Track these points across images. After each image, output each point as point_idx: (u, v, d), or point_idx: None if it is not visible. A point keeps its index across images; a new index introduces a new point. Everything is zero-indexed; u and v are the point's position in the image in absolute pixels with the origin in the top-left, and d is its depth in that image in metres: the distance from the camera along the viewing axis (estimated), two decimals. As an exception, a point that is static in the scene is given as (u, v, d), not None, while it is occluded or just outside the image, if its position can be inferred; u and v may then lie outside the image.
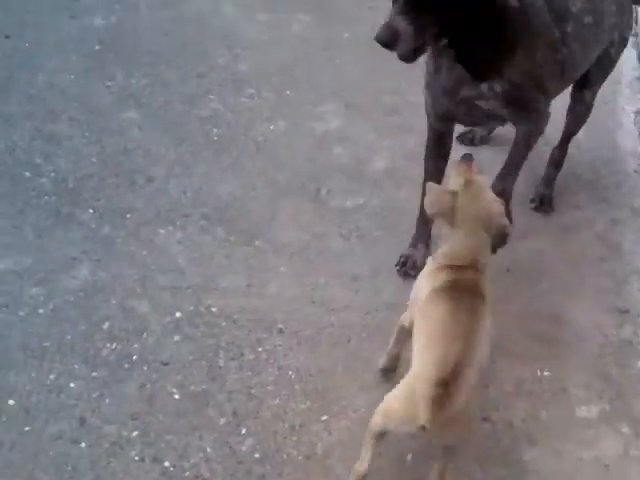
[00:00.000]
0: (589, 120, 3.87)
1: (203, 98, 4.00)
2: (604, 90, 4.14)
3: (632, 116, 4.13)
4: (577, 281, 3.36)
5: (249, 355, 2.93)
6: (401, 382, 2.44)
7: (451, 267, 2.55)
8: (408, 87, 3.69)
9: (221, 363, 2.89)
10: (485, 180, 2.67)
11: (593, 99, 3.53)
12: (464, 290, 2.50)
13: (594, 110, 3.94)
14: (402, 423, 2.36)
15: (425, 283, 2.60)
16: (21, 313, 2.96)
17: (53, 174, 3.53)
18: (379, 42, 2.64)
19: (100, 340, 2.90)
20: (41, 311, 2.98)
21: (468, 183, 2.56)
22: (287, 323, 3.05)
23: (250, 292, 3.16)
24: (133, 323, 2.98)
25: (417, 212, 3.25)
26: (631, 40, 4.48)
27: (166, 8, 4.50)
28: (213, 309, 3.07)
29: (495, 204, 2.58)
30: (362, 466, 2.45)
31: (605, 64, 3.40)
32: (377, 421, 2.42)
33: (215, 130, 3.84)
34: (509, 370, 2.99)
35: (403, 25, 2.62)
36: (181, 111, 3.92)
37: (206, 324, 3.01)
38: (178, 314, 3.03)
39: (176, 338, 2.95)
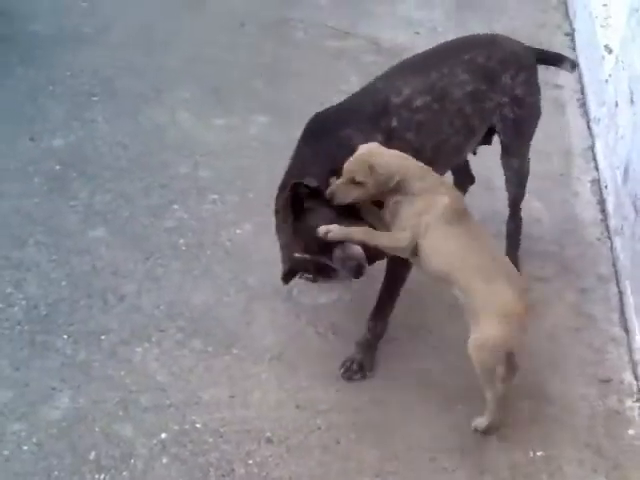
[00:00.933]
0: (546, 193, 3.99)
1: (167, 208, 4.02)
2: (557, 162, 4.30)
3: (588, 185, 4.21)
4: (556, 355, 3.39)
5: (240, 470, 2.91)
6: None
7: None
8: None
9: (213, 481, 2.86)
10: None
11: (523, 165, 3.56)
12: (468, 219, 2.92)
13: (551, 183, 4.06)
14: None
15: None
16: (5, 452, 2.93)
17: (24, 302, 3.51)
18: None
19: (88, 472, 2.87)
20: (25, 447, 2.95)
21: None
22: (274, 431, 3.04)
23: (234, 403, 3.15)
24: (119, 449, 2.95)
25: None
26: (580, 110, 4.64)
27: (123, 121, 4.53)
28: (198, 425, 3.06)
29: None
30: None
31: (509, 129, 3.39)
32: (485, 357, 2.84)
33: (182, 240, 3.86)
34: (503, 455, 3.01)
35: None
36: (147, 224, 3.94)
37: (193, 442, 2.99)
38: (163, 435, 3.01)
39: (164, 460, 2.93)
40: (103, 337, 3.38)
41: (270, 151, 4.19)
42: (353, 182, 2.85)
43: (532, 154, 3.97)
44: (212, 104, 4.58)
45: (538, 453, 3.01)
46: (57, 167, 4.24)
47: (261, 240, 3.82)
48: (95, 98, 4.72)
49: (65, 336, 3.37)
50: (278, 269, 3.59)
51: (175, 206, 4.03)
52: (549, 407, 3.18)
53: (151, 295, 3.58)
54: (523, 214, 3.76)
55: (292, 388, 3.21)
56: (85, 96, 4.74)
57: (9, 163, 4.24)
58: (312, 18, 5.47)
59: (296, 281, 3.59)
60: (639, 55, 3.85)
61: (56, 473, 2.87)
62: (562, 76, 4.97)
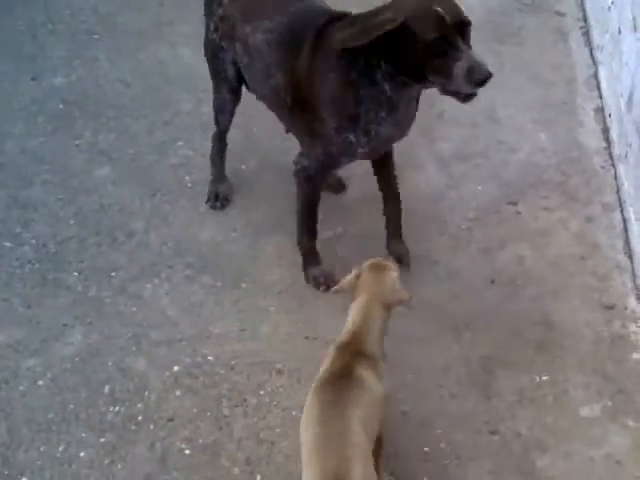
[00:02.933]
0: (550, 122, 3.99)
1: (172, 145, 4.02)
2: (561, 91, 4.27)
3: (592, 113, 4.19)
4: (561, 283, 3.42)
5: (252, 400, 2.96)
6: None
7: (337, 350, 2.60)
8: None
9: (226, 412, 2.92)
10: (392, 263, 2.76)
11: None
12: (336, 383, 2.47)
13: (554, 112, 4.06)
14: None
15: None
16: (21, 387, 2.99)
17: (34, 241, 3.55)
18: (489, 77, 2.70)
19: (103, 405, 2.93)
20: (40, 382, 3.00)
21: (372, 264, 2.69)
22: (285, 362, 3.09)
23: (244, 336, 3.20)
24: (133, 383, 3.01)
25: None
26: (583, 39, 4.61)
27: (125, 59, 4.52)
28: (210, 358, 3.11)
29: (394, 278, 2.67)
30: None
31: None
32: None
33: (188, 176, 3.87)
34: (508, 380, 3.06)
35: None
36: (152, 161, 3.95)
37: (205, 374, 3.04)
38: (176, 368, 3.06)
39: (177, 392, 2.98)
40: (113, 274, 3.42)
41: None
42: None
43: (536, 83, 3.98)
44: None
45: (544, 378, 3.06)
46: (60, 106, 4.24)
47: (266, 175, 3.84)
48: (96, 36, 4.69)
49: (75, 273, 3.41)
50: (284, 204, 3.64)
51: (180, 143, 4.04)
52: (554, 333, 3.22)
53: (159, 232, 3.61)
54: (528, 143, 3.77)
55: (301, 320, 3.25)
56: (85, 34, 4.71)
57: (12, 103, 4.24)
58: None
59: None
60: (643, -19, 3.81)
61: (71, 407, 2.93)
62: (564, 4, 4.93)
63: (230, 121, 3.60)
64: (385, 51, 2.77)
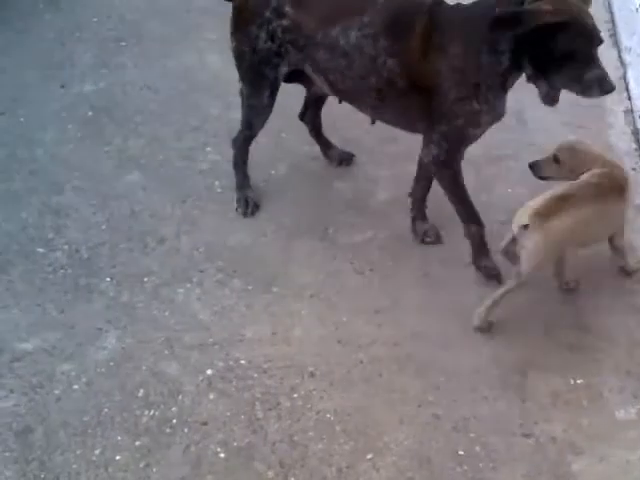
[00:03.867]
0: (581, 125, 3.98)
1: (201, 151, 4.05)
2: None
3: (622, 115, 4.18)
4: (594, 285, 3.39)
5: (285, 403, 2.96)
6: None
7: None
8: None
9: (259, 415, 2.92)
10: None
11: None
12: None
13: (584, 115, 4.04)
14: None
15: None
16: (56, 391, 3.00)
17: (66, 246, 3.57)
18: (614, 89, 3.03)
19: (138, 408, 2.94)
20: (75, 387, 3.02)
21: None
22: (317, 366, 3.09)
23: (276, 339, 3.20)
24: (167, 386, 3.01)
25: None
26: (611, 40, 4.59)
27: (152, 65, 4.55)
28: (242, 361, 3.11)
29: None
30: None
31: None
32: None
33: (217, 182, 3.89)
34: (543, 383, 3.03)
35: None
36: (181, 167, 3.97)
37: (238, 378, 3.05)
38: (209, 371, 3.07)
39: (211, 396, 2.98)
40: (145, 279, 3.43)
41: (302, 88, 4.18)
42: (556, 160, 3.29)
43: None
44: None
45: (578, 381, 3.04)
46: (89, 113, 4.27)
47: (295, 180, 3.85)
48: (123, 43, 4.73)
49: (108, 279, 3.43)
50: (313, 208, 3.65)
51: (208, 148, 4.06)
52: (588, 336, 3.20)
53: (189, 237, 3.62)
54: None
55: (332, 324, 3.25)
56: (113, 41, 4.75)
57: (42, 110, 4.27)
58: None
59: (331, 220, 3.65)
60: (671, -18, 3.80)
61: (106, 410, 2.94)
62: (591, 6, 4.90)
63: (265, 121, 3.61)
64: (522, 38, 2.91)
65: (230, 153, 3.88)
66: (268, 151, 3.94)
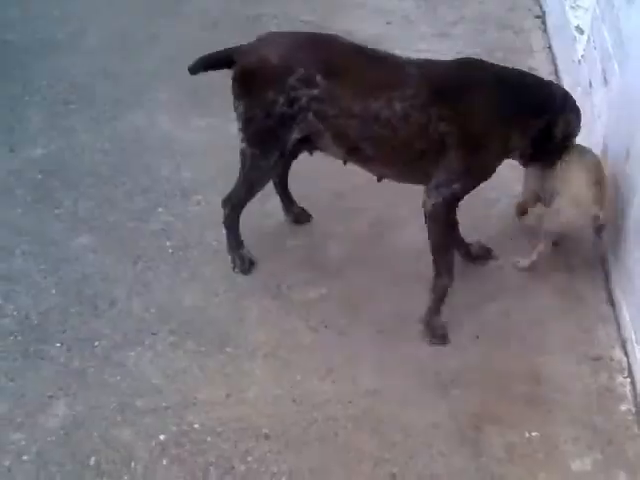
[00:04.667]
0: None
1: (152, 212, 4.03)
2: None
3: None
4: (547, 336, 3.43)
5: (240, 467, 2.93)
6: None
7: None
8: (352, 174, 3.75)
9: (214, 480, 2.88)
10: None
11: None
12: None
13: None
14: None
15: None
16: (6, 462, 2.93)
17: (15, 312, 3.51)
18: None
19: (90, 478, 2.88)
20: (25, 457, 2.95)
21: None
22: (272, 426, 3.06)
23: (230, 401, 3.16)
24: (119, 454, 2.96)
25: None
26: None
27: (102, 128, 4.54)
28: (196, 425, 3.07)
29: None
30: None
31: None
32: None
33: (169, 242, 3.87)
34: (499, 437, 3.04)
35: None
36: (133, 228, 3.94)
37: (192, 442, 3.00)
38: (162, 436, 3.02)
39: (164, 462, 2.94)
40: (96, 343, 3.39)
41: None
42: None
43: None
44: (191, 105, 4.60)
45: (533, 433, 3.04)
46: (39, 176, 4.24)
47: (246, 238, 3.83)
48: (73, 106, 4.73)
49: (58, 344, 3.38)
50: (266, 266, 3.65)
51: (160, 209, 4.04)
52: (542, 387, 3.21)
53: (141, 299, 3.59)
54: (506, 195, 3.84)
55: (287, 383, 3.23)
56: (62, 104, 4.74)
57: (-10, 175, 4.24)
58: (285, 13, 5.51)
59: (285, 277, 3.64)
60: (609, 34, 3.89)
61: (58, 480, 2.88)
62: (536, 59, 5.02)
63: (266, 184, 3.66)
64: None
65: (182, 212, 3.88)
66: (218, 209, 3.93)
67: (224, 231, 3.74)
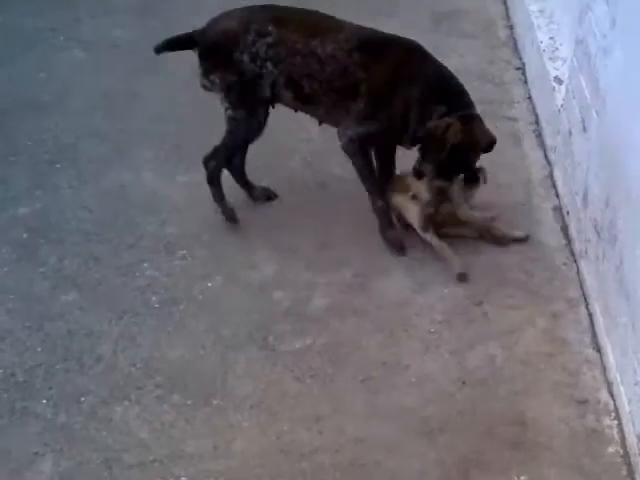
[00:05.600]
0: (510, 223, 4.07)
1: (138, 267, 4.04)
2: (518, 193, 4.39)
3: (550, 212, 4.28)
4: (532, 380, 3.43)
5: (228, 519, 2.91)
6: None
7: None
8: (335, 224, 3.81)
9: (202, 533, 2.86)
10: None
11: None
12: None
13: (514, 213, 4.15)
14: None
15: None
16: (-9, 521, 2.91)
17: (1, 370, 3.50)
18: None
19: (76, 533, 2.86)
20: (11, 515, 2.93)
21: None
22: (260, 478, 3.06)
23: (217, 453, 3.16)
24: (106, 509, 2.94)
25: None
26: (537, 141, 4.75)
27: (87, 185, 4.56)
28: (183, 478, 3.07)
29: None
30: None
31: None
32: None
33: (154, 297, 3.87)
34: (486, 482, 3.02)
35: None
36: (118, 284, 3.95)
37: (180, 496, 2.99)
38: (150, 491, 3.01)
39: (153, 515, 2.92)
40: (82, 399, 3.38)
41: (234, 203, 4.25)
42: None
43: (493, 186, 4.08)
44: (175, 162, 4.63)
45: (522, 477, 3.04)
46: (24, 235, 4.25)
47: (232, 291, 3.85)
48: (58, 165, 4.74)
49: (44, 400, 3.37)
50: (252, 318, 3.67)
51: (145, 264, 4.05)
52: (529, 431, 3.21)
53: (127, 354, 3.58)
54: (490, 245, 3.89)
55: (274, 434, 3.22)
56: (47, 164, 4.76)
57: (-25, 235, 4.25)
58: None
59: (270, 328, 3.65)
60: (587, 84, 3.96)
61: (43, 539, 2.85)
62: (516, 109, 5.10)
63: (258, 137, 4.08)
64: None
65: (167, 267, 3.91)
66: (204, 263, 3.97)
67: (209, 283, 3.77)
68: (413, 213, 4.00)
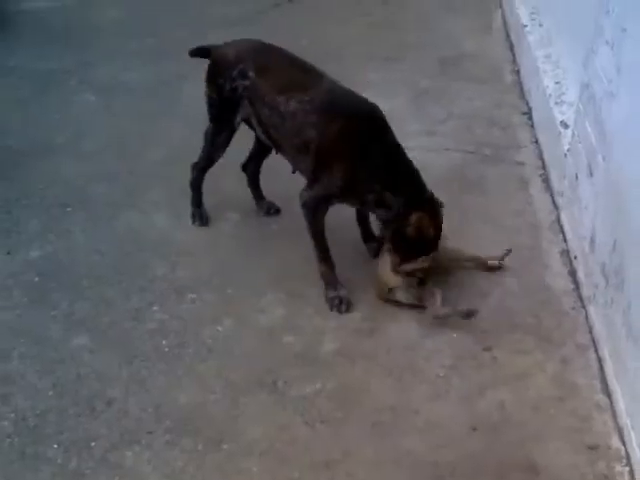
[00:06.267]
0: (518, 268, 4.09)
1: (148, 311, 4.06)
2: (526, 237, 4.41)
3: (558, 257, 4.30)
4: (543, 426, 3.42)
5: None
6: None
7: None
8: (343, 268, 3.82)
9: None
10: None
11: None
12: None
13: (521, 257, 4.15)
14: None
15: None
16: None
17: (12, 414, 3.52)
18: None
19: None
20: None
21: None
22: (271, 525, 3.05)
23: (228, 499, 3.15)
24: None
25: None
26: (543, 185, 4.78)
27: (98, 228, 4.61)
28: (194, 524, 3.06)
29: None
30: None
31: None
32: None
33: (164, 341, 3.89)
34: (497, 530, 3.01)
35: None
36: (128, 327, 3.97)
37: (190, 542, 2.98)
38: (160, 537, 3.00)
39: None
40: (93, 444, 3.38)
41: (243, 246, 4.29)
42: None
43: (501, 230, 4.10)
44: (185, 204, 4.66)
45: (533, 524, 3.03)
46: (36, 279, 4.28)
47: (242, 334, 3.87)
48: (69, 209, 4.80)
49: (55, 445, 3.37)
50: (262, 362, 3.67)
51: (155, 307, 4.08)
52: (540, 477, 3.19)
53: (137, 398, 3.59)
54: (498, 288, 3.89)
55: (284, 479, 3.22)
56: (59, 207, 4.81)
57: (-13, 278, 4.29)
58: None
59: (280, 373, 3.66)
60: (592, 128, 4.00)
61: None
62: (523, 154, 5.14)
63: (221, 155, 4.42)
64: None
65: (177, 311, 3.94)
66: (213, 306, 3.98)
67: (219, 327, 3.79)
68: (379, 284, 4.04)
